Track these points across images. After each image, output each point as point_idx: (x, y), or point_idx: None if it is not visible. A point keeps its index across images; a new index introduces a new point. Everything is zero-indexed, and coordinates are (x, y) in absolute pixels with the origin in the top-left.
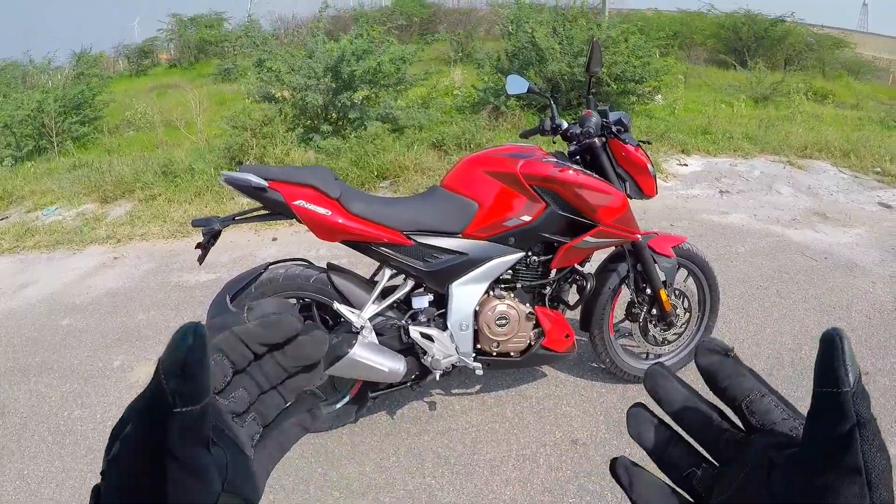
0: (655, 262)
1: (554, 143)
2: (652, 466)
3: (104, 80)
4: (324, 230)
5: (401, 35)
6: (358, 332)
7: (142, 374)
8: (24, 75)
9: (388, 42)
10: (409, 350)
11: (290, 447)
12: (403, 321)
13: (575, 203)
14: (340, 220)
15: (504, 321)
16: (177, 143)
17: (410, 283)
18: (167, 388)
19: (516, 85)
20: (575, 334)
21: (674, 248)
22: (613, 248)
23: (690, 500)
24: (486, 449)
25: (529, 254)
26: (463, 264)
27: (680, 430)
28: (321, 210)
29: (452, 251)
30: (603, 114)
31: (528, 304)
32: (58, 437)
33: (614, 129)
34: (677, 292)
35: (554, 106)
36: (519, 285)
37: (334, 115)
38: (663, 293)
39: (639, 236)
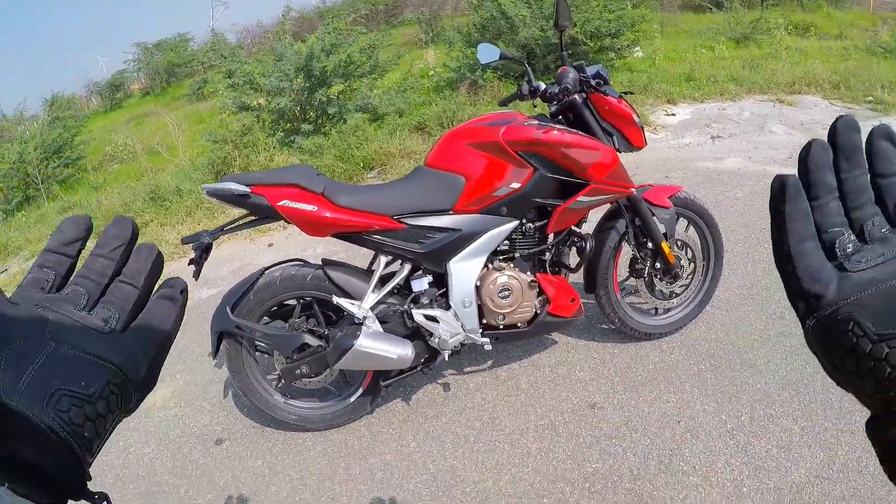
0: (654, 215)
1: (535, 107)
2: None
3: (80, 120)
4: (312, 226)
5: (368, 24)
6: (361, 323)
7: (159, 396)
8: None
9: (355, 32)
10: (416, 334)
11: (170, 324)
12: (405, 306)
13: (563, 163)
14: (328, 214)
15: (507, 292)
16: (161, 167)
17: (408, 267)
18: None
19: (487, 53)
20: (581, 297)
21: (671, 198)
22: (609, 205)
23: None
24: (505, 423)
25: (524, 221)
26: (458, 241)
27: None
28: (307, 206)
29: (445, 229)
30: (580, 68)
31: (529, 273)
32: None
33: (593, 82)
34: (679, 243)
35: (529, 69)
36: (517, 254)
37: (313, 114)
38: (665, 245)
39: (633, 190)
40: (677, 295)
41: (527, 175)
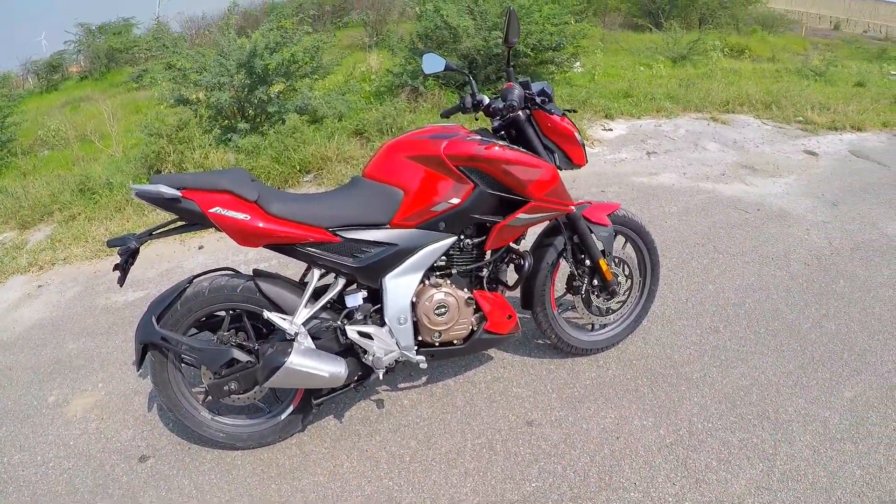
0: (592, 232)
1: (476, 119)
2: None
3: (13, 99)
4: (244, 236)
5: (314, 23)
6: (292, 340)
7: (79, 407)
8: None
9: (300, 32)
10: (349, 351)
11: None
12: (339, 322)
13: (504, 180)
14: (261, 224)
15: (443, 309)
16: (93, 157)
17: (342, 282)
18: None
19: (432, 64)
20: (517, 313)
21: (609, 216)
22: (548, 222)
23: None
24: (441, 442)
25: (462, 237)
26: (394, 256)
27: None
28: (239, 216)
29: (382, 243)
30: (525, 85)
31: (466, 290)
32: None
33: (538, 99)
34: (617, 260)
35: (473, 82)
36: (454, 271)
37: (252, 112)
38: (603, 263)
39: (573, 208)
40: (614, 311)
41: (466, 191)
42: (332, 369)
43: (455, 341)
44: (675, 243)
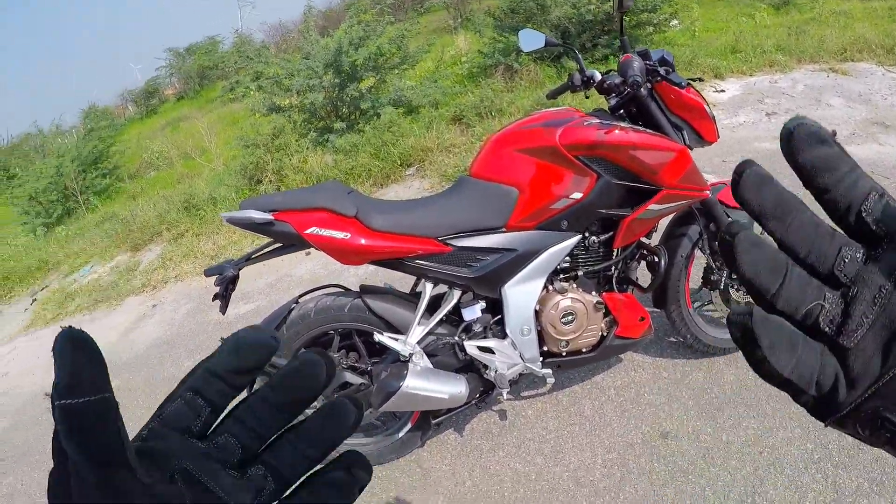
0: (729, 218)
1: (587, 97)
2: None
3: (116, 129)
4: (346, 255)
5: (395, 13)
6: (407, 361)
7: None
8: (41, 145)
9: (382, 23)
10: (468, 367)
11: None
12: (456, 337)
13: (631, 167)
14: (363, 241)
15: (570, 317)
16: (196, 173)
17: (457, 294)
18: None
19: (530, 40)
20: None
21: None
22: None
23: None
24: (569, 458)
25: (587, 235)
26: (513, 262)
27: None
28: (338, 234)
29: (498, 249)
30: (644, 55)
31: (594, 293)
32: None
33: (662, 70)
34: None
35: (579, 56)
36: (580, 272)
37: (345, 111)
38: None
39: (707, 192)
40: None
41: (589, 183)
42: (451, 390)
43: (584, 349)
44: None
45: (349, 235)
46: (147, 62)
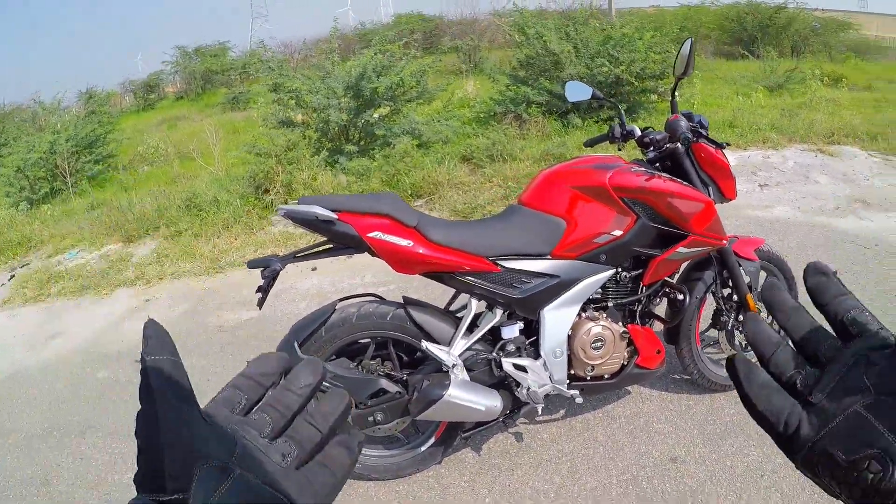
0: (740, 267)
1: (619, 150)
2: None
3: (114, 117)
4: (403, 263)
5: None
6: (447, 372)
7: None
8: (33, 117)
9: (407, 56)
10: (501, 384)
11: (342, 473)
12: (494, 354)
13: (666, 213)
14: (422, 251)
15: (600, 343)
16: (193, 175)
17: (499, 313)
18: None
19: (578, 91)
20: None
21: (756, 251)
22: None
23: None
24: (585, 478)
25: (619, 270)
26: (555, 287)
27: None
28: (401, 241)
29: (543, 274)
30: (688, 116)
31: (620, 323)
32: None
33: (703, 131)
34: (758, 295)
35: (622, 112)
36: (610, 304)
37: (357, 135)
38: (750, 298)
39: (725, 242)
40: None
41: (629, 223)
42: (488, 403)
43: (605, 375)
44: (797, 280)
45: (411, 244)
46: (153, 56)
